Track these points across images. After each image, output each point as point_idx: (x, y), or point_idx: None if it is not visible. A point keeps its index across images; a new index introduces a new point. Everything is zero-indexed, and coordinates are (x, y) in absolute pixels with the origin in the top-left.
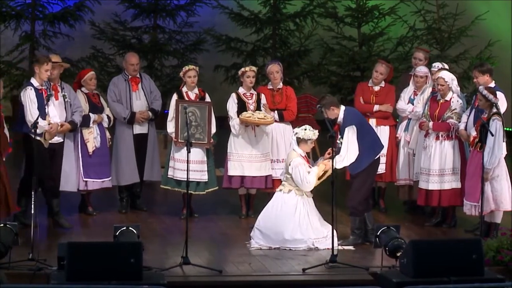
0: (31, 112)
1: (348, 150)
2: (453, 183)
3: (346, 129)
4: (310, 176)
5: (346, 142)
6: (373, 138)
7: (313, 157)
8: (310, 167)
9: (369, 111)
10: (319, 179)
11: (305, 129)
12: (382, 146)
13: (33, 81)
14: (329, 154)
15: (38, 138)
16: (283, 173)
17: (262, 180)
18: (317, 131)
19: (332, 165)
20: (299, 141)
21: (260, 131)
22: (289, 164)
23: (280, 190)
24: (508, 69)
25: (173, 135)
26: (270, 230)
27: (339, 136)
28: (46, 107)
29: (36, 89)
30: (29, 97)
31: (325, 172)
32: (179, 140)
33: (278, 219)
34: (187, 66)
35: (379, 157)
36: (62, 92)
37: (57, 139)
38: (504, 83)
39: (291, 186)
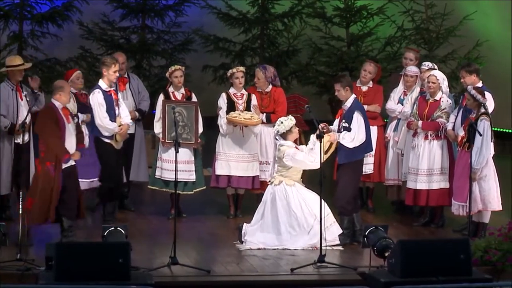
0: (100, 115)
1: (357, 133)
2: (442, 183)
3: (356, 113)
4: (312, 154)
5: (356, 125)
6: (368, 137)
7: None
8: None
9: None
10: (325, 152)
11: (281, 122)
12: (372, 149)
13: (101, 83)
14: (323, 128)
15: (108, 140)
16: (272, 168)
17: (249, 181)
18: (291, 116)
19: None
20: (285, 135)
21: (248, 132)
22: (283, 157)
23: (271, 183)
24: (496, 69)
25: (160, 136)
26: (267, 227)
27: (343, 120)
28: (116, 108)
29: (104, 92)
30: (97, 100)
31: (331, 145)
32: (167, 141)
33: (273, 214)
34: (173, 66)
35: (363, 158)
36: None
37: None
38: (492, 83)
39: (281, 177)
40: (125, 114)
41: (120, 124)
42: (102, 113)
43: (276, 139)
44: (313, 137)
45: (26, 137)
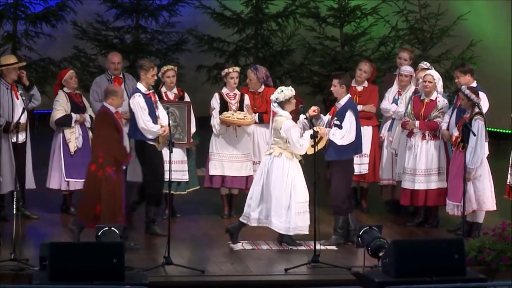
0: (143, 118)
1: (348, 131)
2: (439, 183)
3: (349, 112)
4: (303, 139)
5: (347, 123)
6: (359, 137)
7: None
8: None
9: None
10: (315, 145)
11: (282, 91)
12: (362, 151)
13: (140, 86)
14: (314, 111)
15: (152, 143)
16: (270, 138)
17: (243, 181)
18: (291, 87)
19: (315, 142)
20: (283, 104)
21: (241, 132)
22: (280, 128)
23: (270, 154)
24: (490, 69)
25: None
26: (262, 197)
27: (335, 118)
28: (156, 110)
29: (144, 95)
30: (139, 104)
31: (321, 138)
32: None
33: (269, 184)
34: (165, 66)
35: (353, 158)
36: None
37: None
38: (486, 83)
39: (281, 149)
40: (163, 116)
41: (161, 126)
42: (145, 116)
43: (273, 106)
44: (306, 134)
45: (23, 136)
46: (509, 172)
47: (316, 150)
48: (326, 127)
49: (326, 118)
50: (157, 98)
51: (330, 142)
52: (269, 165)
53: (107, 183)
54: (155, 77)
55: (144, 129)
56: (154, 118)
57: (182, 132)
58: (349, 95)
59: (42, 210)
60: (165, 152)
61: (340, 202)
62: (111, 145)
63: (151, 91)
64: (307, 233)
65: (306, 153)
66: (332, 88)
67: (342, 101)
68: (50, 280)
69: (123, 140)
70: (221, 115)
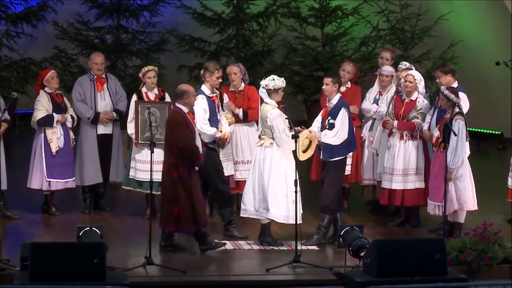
0: (201, 120)
1: (341, 129)
2: (417, 183)
3: (342, 110)
4: (288, 133)
5: (339, 121)
6: (352, 135)
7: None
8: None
9: None
10: (304, 151)
11: (273, 79)
12: (356, 148)
13: (204, 89)
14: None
15: (212, 146)
16: (259, 129)
17: None
18: (283, 79)
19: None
20: (270, 92)
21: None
22: (267, 117)
23: (261, 145)
24: (471, 69)
25: (133, 136)
26: (258, 189)
27: (328, 117)
28: (218, 114)
29: (208, 98)
30: (201, 106)
31: (310, 144)
32: (140, 141)
33: (263, 175)
34: (146, 66)
35: (346, 157)
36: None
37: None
38: (467, 83)
39: (271, 139)
40: (224, 121)
41: (221, 130)
42: (204, 118)
43: (261, 92)
44: (289, 134)
45: None
46: (510, 175)
47: (309, 157)
48: (320, 128)
49: (314, 124)
50: (219, 102)
51: (324, 144)
52: (261, 156)
53: (183, 184)
54: (220, 80)
55: (199, 130)
56: (215, 122)
57: (163, 133)
58: (339, 94)
59: (23, 210)
60: (145, 152)
61: (329, 201)
62: (187, 145)
63: (214, 95)
64: (301, 222)
65: (298, 159)
66: (324, 87)
67: (334, 100)
68: (31, 280)
69: (196, 140)
70: None
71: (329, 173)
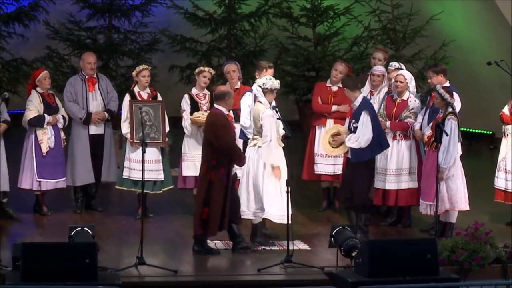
0: (244, 116)
1: (363, 133)
2: (410, 183)
3: (363, 113)
4: (275, 133)
5: (362, 124)
6: (382, 133)
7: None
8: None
9: (326, 112)
10: (336, 147)
11: (271, 79)
12: (389, 145)
13: (255, 87)
14: None
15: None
16: (251, 126)
17: None
18: (278, 81)
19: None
20: (266, 91)
21: None
22: (260, 116)
23: (254, 145)
24: (462, 69)
25: (128, 136)
26: (252, 189)
27: (353, 120)
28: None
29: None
30: (247, 102)
31: (343, 143)
32: (135, 141)
33: (257, 175)
34: (140, 65)
35: (375, 156)
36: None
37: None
38: (458, 83)
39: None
40: None
41: None
42: (248, 113)
43: (256, 90)
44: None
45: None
46: (496, 175)
47: (339, 153)
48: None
49: (345, 125)
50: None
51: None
52: (255, 156)
53: (219, 186)
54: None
55: (242, 126)
56: None
57: (157, 132)
58: (362, 95)
59: (14, 210)
60: (140, 151)
61: (364, 200)
62: (229, 147)
63: None
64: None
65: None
66: (346, 94)
67: (357, 102)
68: (23, 280)
69: (236, 141)
70: (192, 116)
71: (359, 173)
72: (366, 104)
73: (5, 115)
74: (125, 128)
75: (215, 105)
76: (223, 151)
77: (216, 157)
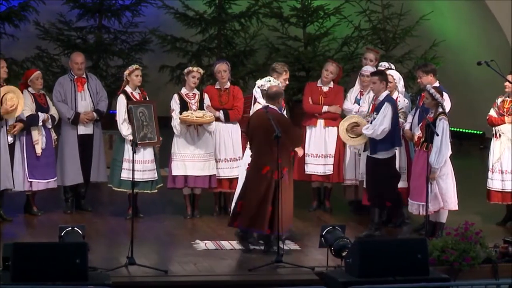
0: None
1: (381, 122)
2: (400, 183)
3: (386, 104)
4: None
5: (381, 114)
6: (397, 131)
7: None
8: None
9: (317, 112)
10: (353, 137)
11: (270, 81)
12: (401, 144)
13: None
14: None
15: None
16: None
17: (206, 180)
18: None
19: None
20: (264, 93)
21: (203, 131)
22: None
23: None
24: (452, 69)
25: (130, 137)
26: None
27: (374, 112)
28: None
29: None
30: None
31: (358, 132)
32: (138, 141)
33: None
34: (133, 65)
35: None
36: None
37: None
38: (448, 83)
39: None
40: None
41: None
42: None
43: (255, 91)
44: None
45: (10, 138)
46: (490, 177)
47: (357, 144)
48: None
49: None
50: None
51: (369, 139)
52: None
53: (286, 184)
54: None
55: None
56: None
57: (152, 131)
58: (387, 91)
59: (4, 210)
60: (141, 152)
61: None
62: (299, 142)
63: None
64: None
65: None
66: (372, 86)
67: (381, 97)
68: (13, 280)
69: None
70: (180, 115)
71: (380, 171)
72: (390, 99)
73: (21, 115)
74: (124, 129)
75: (269, 106)
76: (294, 140)
77: (282, 156)
